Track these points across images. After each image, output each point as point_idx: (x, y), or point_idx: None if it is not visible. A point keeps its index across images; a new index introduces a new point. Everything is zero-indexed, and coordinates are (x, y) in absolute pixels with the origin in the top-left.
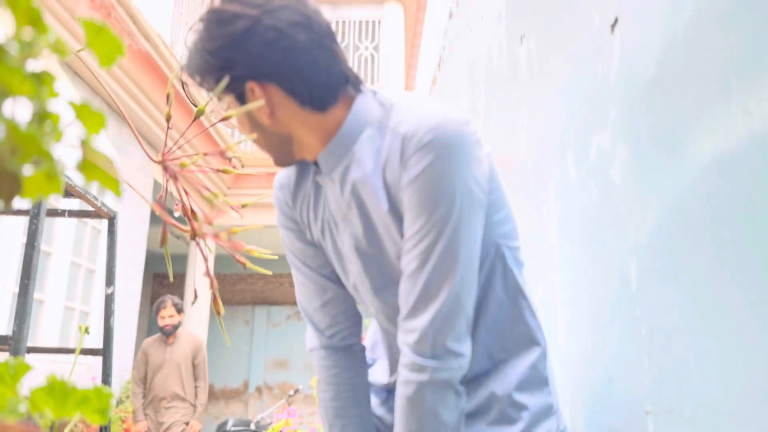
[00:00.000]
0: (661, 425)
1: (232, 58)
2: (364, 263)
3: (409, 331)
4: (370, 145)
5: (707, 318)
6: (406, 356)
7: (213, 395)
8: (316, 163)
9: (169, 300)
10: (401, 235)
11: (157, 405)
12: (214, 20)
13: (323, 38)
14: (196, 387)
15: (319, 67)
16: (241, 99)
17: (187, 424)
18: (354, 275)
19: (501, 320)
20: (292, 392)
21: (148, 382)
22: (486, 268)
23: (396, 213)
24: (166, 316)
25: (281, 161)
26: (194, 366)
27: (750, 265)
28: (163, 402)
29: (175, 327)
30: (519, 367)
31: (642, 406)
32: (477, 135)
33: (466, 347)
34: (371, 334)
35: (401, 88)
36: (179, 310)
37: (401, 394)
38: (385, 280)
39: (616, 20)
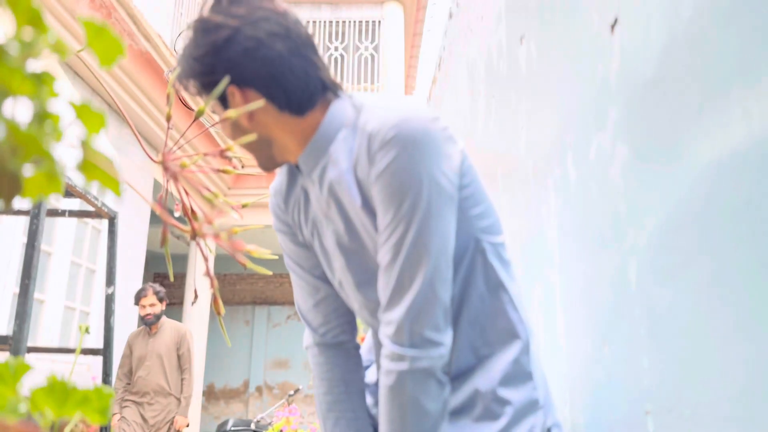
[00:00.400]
0: (661, 425)
1: (215, 64)
2: (347, 259)
3: (387, 323)
4: (344, 145)
5: (707, 318)
6: (386, 347)
7: (213, 395)
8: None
9: (149, 288)
10: (376, 229)
11: (141, 399)
12: (200, 29)
13: (301, 48)
14: (182, 379)
15: (296, 74)
16: (224, 103)
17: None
18: (338, 272)
19: (483, 314)
20: (292, 392)
21: (134, 375)
22: (466, 261)
23: (369, 209)
24: (147, 305)
25: (264, 164)
26: (178, 357)
27: (750, 265)
28: (147, 397)
29: (158, 317)
30: (502, 363)
31: (642, 406)
32: (447, 131)
33: (444, 336)
34: (370, 336)
35: (401, 88)
36: (161, 299)
37: (383, 384)
38: (367, 275)
39: (616, 20)
